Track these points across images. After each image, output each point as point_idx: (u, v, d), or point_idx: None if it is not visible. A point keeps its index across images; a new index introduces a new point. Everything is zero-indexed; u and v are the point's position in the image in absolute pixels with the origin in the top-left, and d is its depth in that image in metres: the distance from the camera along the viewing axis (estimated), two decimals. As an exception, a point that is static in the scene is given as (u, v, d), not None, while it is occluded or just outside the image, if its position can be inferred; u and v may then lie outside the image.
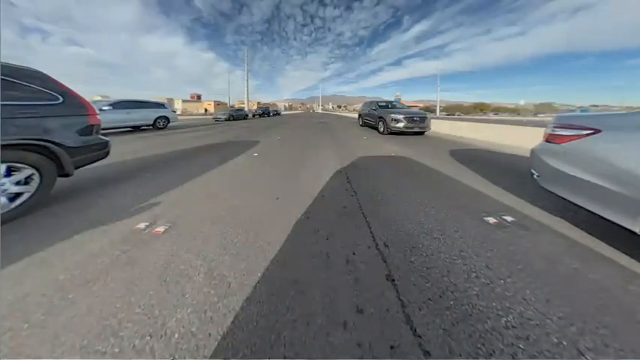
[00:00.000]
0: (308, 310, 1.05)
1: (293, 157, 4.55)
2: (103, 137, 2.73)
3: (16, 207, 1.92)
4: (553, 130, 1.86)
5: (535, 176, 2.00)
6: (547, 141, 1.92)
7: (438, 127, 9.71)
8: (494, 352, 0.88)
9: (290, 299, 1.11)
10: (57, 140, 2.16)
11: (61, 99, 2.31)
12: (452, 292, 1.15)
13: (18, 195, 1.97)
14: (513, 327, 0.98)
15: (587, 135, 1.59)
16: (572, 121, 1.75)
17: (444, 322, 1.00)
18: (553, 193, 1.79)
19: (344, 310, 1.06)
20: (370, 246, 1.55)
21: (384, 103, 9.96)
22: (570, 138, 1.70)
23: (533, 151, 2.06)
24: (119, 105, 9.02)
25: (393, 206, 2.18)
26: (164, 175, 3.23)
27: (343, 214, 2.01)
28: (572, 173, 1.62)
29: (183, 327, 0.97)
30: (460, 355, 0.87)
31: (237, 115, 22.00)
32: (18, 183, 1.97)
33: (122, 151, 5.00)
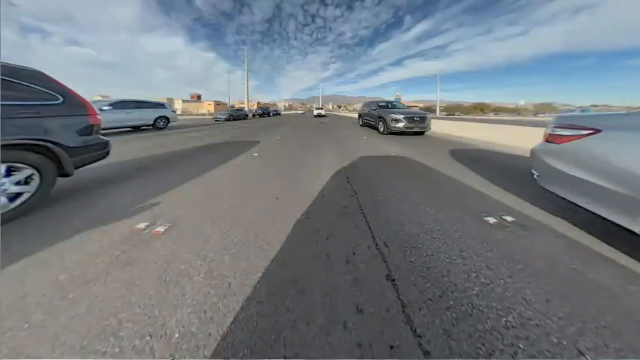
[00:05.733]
0: (308, 310, 1.05)
1: (293, 157, 4.55)
2: (102, 137, 2.74)
3: (16, 207, 1.92)
4: (553, 130, 1.86)
5: (535, 176, 2.00)
6: (547, 141, 1.92)
7: (438, 127, 9.71)
8: (494, 352, 0.88)
9: (290, 299, 1.11)
10: (57, 140, 2.16)
11: (61, 99, 2.31)
12: (452, 292, 1.15)
13: (18, 195, 1.97)
14: (513, 327, 0.98)
15: (587, 135, 1.59)
16: (572, 121, 1.75)
17: (444, 322, 1.00)
18: (553, 193, 1.79)
19: (344, 310, 1.06)
20: (370, 246, 1.55)
21: (384, 103, 9.96)
22: (570, 138, 1.70)
23: (533, 152, 2.06)
24: (119, 105, 9.03)
25: (393, 206, 2.18)
26: (164, 175, 3.23)
27: (343, 214, 2.01)
28: (572, 173, 1.62)
29: (183, 327, 0.97)
30: (460, 355, 0.87)
31: (237, 115, 22.01)
32: (18, 183, 1.97)
33: (122, 151, 5.00)
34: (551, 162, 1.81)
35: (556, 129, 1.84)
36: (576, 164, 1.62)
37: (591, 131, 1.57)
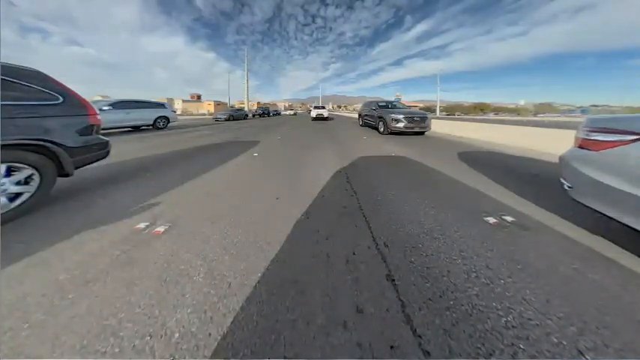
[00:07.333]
0: (308, 310, 1.05)
1: (293, 157, 4.55)
2: (103, 137, 2.73)
3: (16, 207, 1.92)
4: (588, 135, 1.61)
5: (566, 187, 1.73)
6: (580, 147, 1.65)
7: (438, 127, 9.72)
8: (494, 352, 0.88)
9: (290, 299, 1.11)
10: (57, 140, 2.16)
11: (61, 99, 2.31)
12: (452, 292, 1.15)
13: (18, 195, 1.96)
14: (513, 327, 0.98)
15: (633, 141, 1.35)
16: (611, 125, 1.52)
17: (444, 322, 1.00)
18: (590, 207, 1.54)
19: (344, 310, 1.06)
20: (370, 246, 1.55)
21: (384, 103, 9.97)
22: (612, 144, 1.45)
23: (563, 159, 1.78)
24: (119, 105, 9.02)
25: (393, 206, 2.18)
26: (164, 175, 3.23)
27: (343, 214, 2.01)
28: (616, 186, 1.37)
29: (183, 327, 0.97)
30: (460, 355, 0.87)
31: (237, 115, 22.02)
32: (18, 183, 1.97)
33: (122, 151, 5.00)
34: (588, 172, 1.54)
35: (591, 133, 1.58)
36: (622, 175, 1.36)
37: (638, 137, 1.33)
